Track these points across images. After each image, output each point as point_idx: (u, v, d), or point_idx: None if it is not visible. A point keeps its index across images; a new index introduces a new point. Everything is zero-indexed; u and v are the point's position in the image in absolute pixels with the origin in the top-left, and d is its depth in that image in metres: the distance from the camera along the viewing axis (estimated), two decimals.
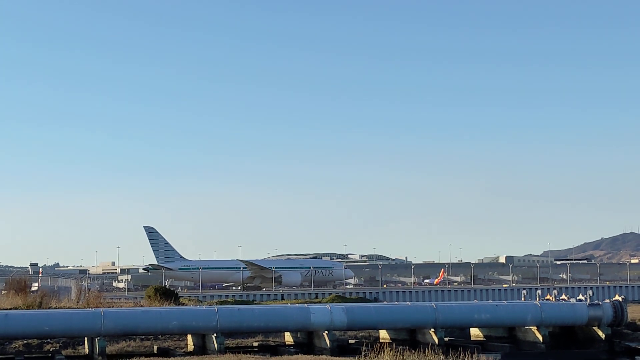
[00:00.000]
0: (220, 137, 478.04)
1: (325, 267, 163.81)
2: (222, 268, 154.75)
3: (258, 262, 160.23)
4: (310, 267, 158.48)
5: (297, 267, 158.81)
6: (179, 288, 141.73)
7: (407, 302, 59.51)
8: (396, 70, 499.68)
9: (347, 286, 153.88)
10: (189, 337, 42.99)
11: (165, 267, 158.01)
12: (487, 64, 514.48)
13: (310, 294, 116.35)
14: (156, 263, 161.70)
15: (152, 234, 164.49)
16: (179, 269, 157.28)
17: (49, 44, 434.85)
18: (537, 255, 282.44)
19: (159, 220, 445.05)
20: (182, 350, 42.56)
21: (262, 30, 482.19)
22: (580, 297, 47.83)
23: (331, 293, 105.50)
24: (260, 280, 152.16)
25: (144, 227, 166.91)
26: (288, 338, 44.60)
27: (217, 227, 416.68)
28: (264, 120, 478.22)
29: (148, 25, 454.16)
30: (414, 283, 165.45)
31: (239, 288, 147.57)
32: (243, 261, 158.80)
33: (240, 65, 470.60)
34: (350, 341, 45.87)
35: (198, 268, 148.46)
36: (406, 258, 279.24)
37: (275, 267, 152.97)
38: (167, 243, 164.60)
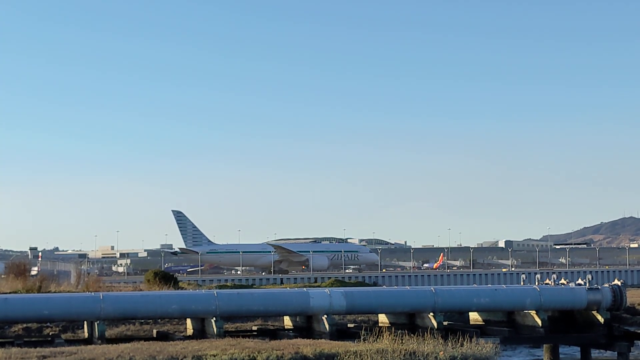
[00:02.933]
0: (220, 119, 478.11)
1: (352, 251, 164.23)
2: (251, 252, 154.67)
3: (287, 246, 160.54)
4: (336, 251, 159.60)
5: (324, 251, 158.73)
6: (178, 272, 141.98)
7: (407, 287, 59.46)
8: (399, 49, 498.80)
9: (346, 270, 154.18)
10: (189, 321, 43.02)
11: (194, 251, 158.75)
12: (488, 43, 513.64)
13: (310, 277, 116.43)
14: (184, 247, 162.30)
15: (180, 218, 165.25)
16: (207, 252, 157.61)
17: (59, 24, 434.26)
18: (537, 240, 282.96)
19: (158, 204, 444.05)
20: (182, 334, 42.62)
21: (271, 6, 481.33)
22: (580, 281, 47.82)
23: (330, 277, 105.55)
24: (287, 264, 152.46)
25: (172, 211, 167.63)
26: (287, 322, 44.63)
27: (215, 211, 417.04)
28: (258, 103, 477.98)
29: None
30: (413, 267, 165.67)
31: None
32: (272, 245, 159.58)
33: (246, 44, 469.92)
34: (349, 325, 45.91)
35: (226, 252, 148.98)
36: (405, 242, 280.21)
37: (303, 251, 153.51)
38: (195, 227, 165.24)
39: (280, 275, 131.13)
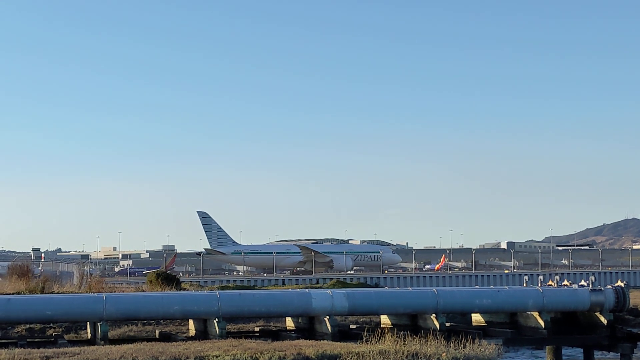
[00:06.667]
0: (217, 121, 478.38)
1: (373, 252, 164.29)
2: (278, 252, 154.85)
3: (312, 247, 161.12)
4: (360, 252, 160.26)
5: (347, 252, 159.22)
6: (180, 273, 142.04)
7: (408, 288, 59.32)
8: (397, 56, 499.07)
9: (348, 272, 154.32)
10: (191, 322, 43.00)
11: (219, 252, 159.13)
12: (488, 51, 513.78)
13: (312, 279, 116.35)
14: (210, 247, 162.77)
15: (206, 219, 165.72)
16: (232, 253, 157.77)
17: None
18: (539, 241, 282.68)
19: (160, 205, 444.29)
20: (184, 335, 42.60)
21: (271, 14, 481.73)
22: (582, 282, 47.75)
23: (332, 278, 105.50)
24: (311, 264, 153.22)
25: (198, 212, 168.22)
26: (289, 323, 44.61)
27: (216, 212, 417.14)
28: (262, 105, 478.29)
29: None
30: (415, 269, 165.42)
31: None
32: (298, 245, 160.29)
33: (244, 49, 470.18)
34: (351, 326, 45.87)
35: (251, 252, 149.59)
36: (407, 244, 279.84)
37: (327, 252, 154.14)
38: (220, 228, 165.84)
39: (282, 276, 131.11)
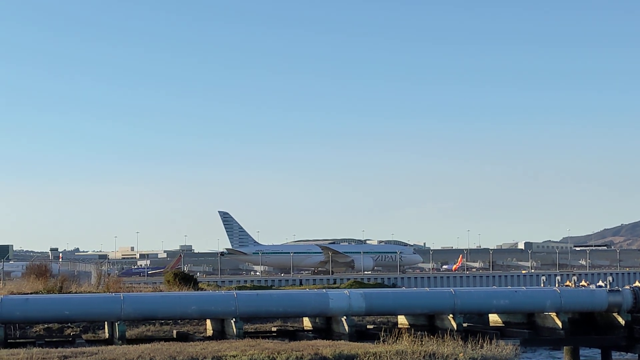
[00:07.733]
0: (233, 123, 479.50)
1: (394, 252, 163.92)
2: (297, 253, 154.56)
3: (334, 247, 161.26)
4: (380, 252, 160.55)
5: (368, 252, 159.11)
6: (197, 273, 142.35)
7: (426, 288, 59.21)
8: (415, 53, 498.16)
9: (365, 272, 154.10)
10: (208, 321, 43.09)
11: (240, 252, 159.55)
12: (505, 46, 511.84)
13: (329, 279, 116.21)
14: (231, 247, 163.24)
15: (227, 219, 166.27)
16: (253, 253, 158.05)
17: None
18: (556, 242, 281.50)
19: (177, 206, 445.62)
20: (202, 335, 42.66)
21: (275, 15, 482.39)
22: (600, 283, 47.53)
23: (349, 279, 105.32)
24: (332, 265, 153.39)
25: (219, 212, 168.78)
26: (306, 323, 44.62)
27: (234, 212, 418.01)
28: (278, 106, 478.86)
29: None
30: (432, 269, 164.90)
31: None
32: (319, 245, 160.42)
33: (254, 51, 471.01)
34: (368, 326, 45.82)
35: (272, 252, 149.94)
36: (424, 244, 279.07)
37: (348, 252, 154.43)
38: (242, 228, 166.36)
39: (299, 276, 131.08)
